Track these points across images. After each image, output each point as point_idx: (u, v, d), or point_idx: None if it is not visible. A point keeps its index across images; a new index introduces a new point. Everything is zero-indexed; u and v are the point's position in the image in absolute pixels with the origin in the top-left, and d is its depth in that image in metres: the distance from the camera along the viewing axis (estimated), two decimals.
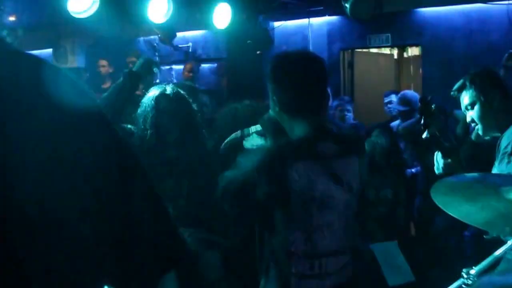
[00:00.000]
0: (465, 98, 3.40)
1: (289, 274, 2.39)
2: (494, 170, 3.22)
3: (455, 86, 3.48)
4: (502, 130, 3.26)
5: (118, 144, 1.54)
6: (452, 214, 1.97)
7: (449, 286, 2.28)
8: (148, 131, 3.42)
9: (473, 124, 3.42)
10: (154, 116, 3.42)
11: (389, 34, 8.57)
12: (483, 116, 3.33)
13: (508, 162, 3.09)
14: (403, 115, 6.73)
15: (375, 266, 3.83)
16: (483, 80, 3.37)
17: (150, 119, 3.42)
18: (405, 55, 11.02)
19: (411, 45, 9.48)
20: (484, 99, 3.31)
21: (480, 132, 3.38)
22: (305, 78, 2.47)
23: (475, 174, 2.62)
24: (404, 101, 6.81)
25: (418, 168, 6.12)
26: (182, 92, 3.58)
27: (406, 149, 6.24)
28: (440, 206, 2.04)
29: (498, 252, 2.20)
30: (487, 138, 3.41)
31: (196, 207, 3.43)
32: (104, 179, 1.42)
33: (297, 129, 2.47)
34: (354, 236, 2.51)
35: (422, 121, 3.47)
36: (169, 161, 3.46)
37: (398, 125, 6.85)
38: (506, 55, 5.63)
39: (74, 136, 1.36)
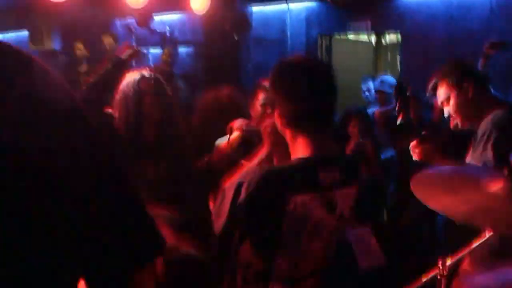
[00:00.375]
0: (440, 94, 3.42)
1: None
2: (469, 158, 3.24)
3: (430, 87, 3.50)
4: (480, 119, 3.27)
5: (95, 141, 1.52)
6: (432, 207, 1.97)
7: (422, 273, 2.28)
8: (129, 115, 3.44)
9: (451, 118, 3.45)
10: (135, 100, 3.44)
11: (369, 21, 8.53)
12: (459, 108, 3.35)
13: (483, 151, 3.10)
14: (383, 97, 6.77)
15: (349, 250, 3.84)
16: (454, 72, 3.39)
17: (131, 103, 3.44)
18: (383, 41, 11.01)
19: (391, 32, 9.46)
20: (458, 90, 3.33)
21: (459, 124, 3.40)
22: (313, 88, 2.29)
23: (455, 166, 2.59)
24: (385, 83, 6.87)
25: (392, 153, 6.14)
26: (159, 76, 3.61)
27: (380, 134, 6.27)
28: (420, 199, 2.02)
29: (475, 244, 2.17)
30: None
31: (175, 189, 3.46)
32: (78, 176, 1.40)
33: (300, 149, 2.32)
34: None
35: (397, 107, 3.49)
36: (148, 144, 3.50)
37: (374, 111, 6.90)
38: (487, 44, 5.64)
39: (48, 132, 1.33)
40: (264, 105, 4.11)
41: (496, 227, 2.04)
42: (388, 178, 6.11)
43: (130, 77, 3.50)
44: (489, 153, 3.05)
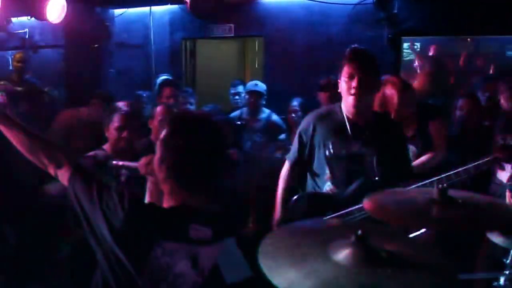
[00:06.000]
0: None
1: None
2: None
3: None
4: None
5: None
6: (277, 284, 1.75)
7: None
8: None
9: None
10: None
11: (232, 25, 8.59)
12: None
13: None
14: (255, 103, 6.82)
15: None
16: None
17: None
18: (248, 42, 11.13)
19: (254, 36, 9.56)
20: None
21: None
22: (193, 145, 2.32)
23: (308, 224, 2.40)
24: (258, 86, 6.93)
25: None
26: None
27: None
28: (266, 273, 1.81)
29: None
30: None
31: None
32: None
33: (172, 198, 2.36)
34: None
35: None
36: None
37: (240, 115, 6.96)
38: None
39: None
40: (119, 129, 4.06)
41: None
42: None
43: None
44: None
